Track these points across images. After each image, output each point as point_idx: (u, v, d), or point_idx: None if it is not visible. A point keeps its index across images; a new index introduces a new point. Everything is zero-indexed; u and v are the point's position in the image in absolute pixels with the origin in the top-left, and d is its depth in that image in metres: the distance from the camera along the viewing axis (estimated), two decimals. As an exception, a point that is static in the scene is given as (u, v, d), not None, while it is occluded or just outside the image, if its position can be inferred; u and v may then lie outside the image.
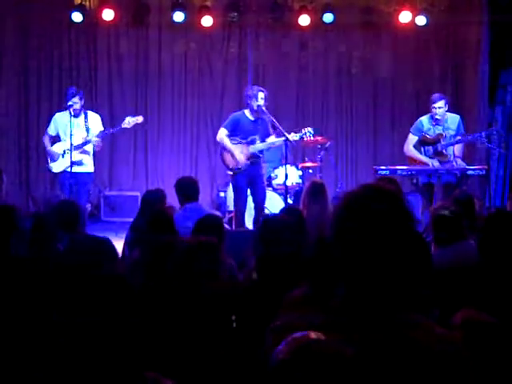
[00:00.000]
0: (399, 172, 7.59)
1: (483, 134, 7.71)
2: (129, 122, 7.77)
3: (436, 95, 7.72)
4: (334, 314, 1.55)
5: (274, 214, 4.33)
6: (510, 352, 1.96)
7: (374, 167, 7.91)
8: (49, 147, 7.84)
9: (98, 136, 7.70)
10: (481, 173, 7.57)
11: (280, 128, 7.28)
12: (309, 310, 1.73)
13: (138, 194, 9.85)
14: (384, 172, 7.50)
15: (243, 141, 7.38)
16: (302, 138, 7.44)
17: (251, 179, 7.42)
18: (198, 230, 4.18)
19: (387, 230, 1.54)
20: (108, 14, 9.78)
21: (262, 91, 7.38)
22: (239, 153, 7.34)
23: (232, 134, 7.40)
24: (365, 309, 1.54)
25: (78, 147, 7.61)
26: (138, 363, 1.76)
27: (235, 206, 7.58)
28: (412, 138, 7.74)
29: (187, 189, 5.72)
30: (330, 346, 1.38)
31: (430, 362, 1.47)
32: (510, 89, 10.14)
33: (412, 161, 7.77)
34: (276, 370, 1.39)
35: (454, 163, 7.55)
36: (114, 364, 1.72)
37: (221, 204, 9.46)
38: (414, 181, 7.72)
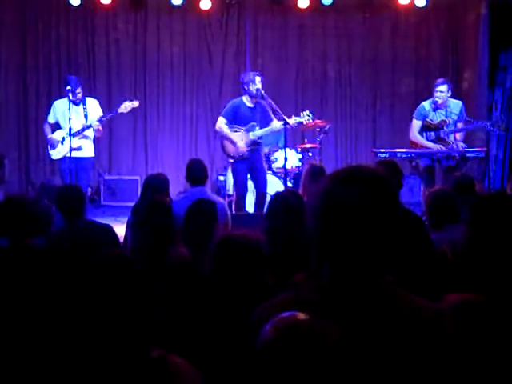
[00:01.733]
0: (399, 155, 7.57)
1: (488, 124, 7.68)
2: (125, 107, 7.77)
3: (440, 79, 7.69)
4: (322, 294, 1.56)
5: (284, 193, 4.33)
6: (500, 329, 1.97)
7: (374, 150, 7.90)
8: (49, 135, 7.86)
9: (97, 121, 7.71)
10: (480, 155, 7.57)
11: (279, 112, 7.26)
12: (302, 290, 1.73)
13: (137, 178, 9.87)
14: (384, 155, 7.50)
15: (242, 128, 7.37)
16: (301, 122, 7.42)
17: (252, 165, 7.42)
18: (188, 217, 4.17)
19: (370, 210, 1.54)
20: (106, -2, 9.74)
21: (259, 75, 7.36)
22: (240, 140, 7.32)
23: (231, 122, 7.38)
24: (349, 287, 1.55)
25: (77, 133, 7.62)
26: (144, 340, 1.78)
27: (236, 192, 7.58)
28: (416, 124, 7.69)
29: (192, 172, 5.69)
30: (316, 327, 1.39)
31: (416, 337, 1.49)
32: (510, 71, 10.11)
33: (414, 145, 7.76)
34: (262, 350, 1.39)
35: (455, 146, 7.55)
36: (119, 341, 1.74)
37: (220, 188, 9.47)
38: (414, 164, 7.72)
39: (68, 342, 1.80)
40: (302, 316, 1.42)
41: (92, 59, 10.40)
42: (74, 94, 7.63)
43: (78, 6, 9.74)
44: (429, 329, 1.50)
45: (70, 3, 9.68)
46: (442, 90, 7.52)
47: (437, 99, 7.54)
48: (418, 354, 1.48)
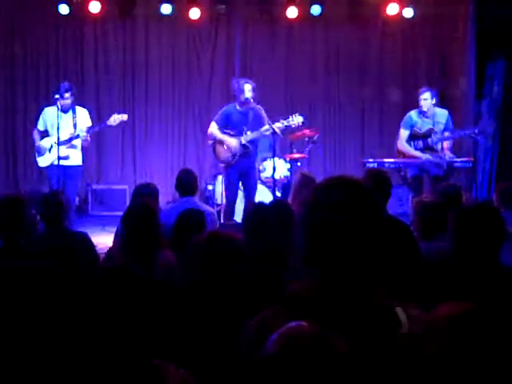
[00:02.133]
0: (387, 165, 7.59)
1: (476, 130, 7.72)
2: (114, 119, 7.77)
3: (423, 88, 7.77)
4: (312, 303, 1.56)
5: (261, 204, 4.32)
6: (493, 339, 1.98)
7: (362, 160, 7.92)
8: (38, 142, 7.83)
9: (86, 131, 7.69)
10: (468, 165, 7.60)
11: (269, 121, 7.26)
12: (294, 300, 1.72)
13: (125, 187, 9.84)
14: (372, 164, 7.51)
15: (232, 132, 7.37)
16: (290, 126, 7.37)
17: (243, 172, 7.42)
18: (178, 226, 4.19)
19: (355, 218, 1.57)
20: (95, 7, 9.71)
21: (248, 83, 7.36)
22: (232, 140, 7.32)
23: (224, 128, 7.40)
24: (341, 298, 1.55)
25: (64, 142, 7.59)
26: (147, 351, 1.78)
27: (226, 198, 7.57)
28: (403, 133, 7.73)
29: (182, 182, 5.69)
30: (322, 337, 1.38)
31: (408, 349, 1.49)
32: (497, 81, 10.19)
33: (400, 154, 7.78)
34: (267, 362, 1.37)
35: (442, 155, 7.59)
36: (122, 352, 1.74)
37: (209, 197, 9.45)
38: (402, 173, 7.74)
39: (66, 346, 1.80)
40: (307, 327, 1.41)
41: (80, 68, 10.38)
42: (62, 98, 7.57)
43: (67, 14, 9.73)
44: (420, 340, 1.50)
45: (59, 12, 9.66)
46: (426, 98, 7.58)
47: (423, 108, 7.60)
48: (409, 366, 1.48)
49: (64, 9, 9.63)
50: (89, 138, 7.77)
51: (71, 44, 10.32)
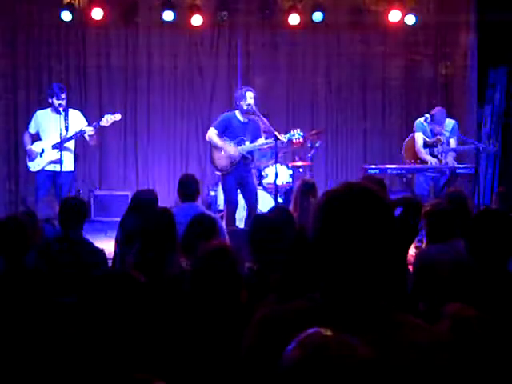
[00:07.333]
0: (389, 171, 7.61)
1: (481, 146, 7.78)
2: (107, 120, 7.68)
3: (443, 113, 7.76)
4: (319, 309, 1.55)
5: (264, 213, 4.34)
6: (496, 345, 1.98)
7: (364, 166, 7.93)
8: (28, 146, 7.77)
9: (90, 125, 7.59)
10: (470, 171, 7.62)
11: (270, 128, 7.27)
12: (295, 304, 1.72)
13: (128, 193, 9.82)
14: (374, 171, 7.52)
15: (232, 141, 7.38)
16: (290, 139, 7.42)
17: (241, 180, 7.42)
18: (190, 230, 4.20)
19: (370, 228, 1.55)
20: (97, 13, 9.75)
21: (251, 91, 7.39)
22: (231, 147, 7.33)
23: (222, 135, 7.40)
24: (353, 307, 1.54)
25: (56, 146, 7.52)
26: (128, 364, 1.74)
27: (225, 206, 7.57)
28: (418, 136, 7.77)
29: (183, 187, 5.69)
30: (345, 344, 1.35)
31: (425, 359, 1.47)
32: (499, 88, 10.20)
33: (409, 158, 7.82)
34: (290, 370, 1.34)
35: (445, 164, 7.64)
36: (102, 365, 1.71)
37: (211, 203, 9.46)
38: (405, 179, 7.76)
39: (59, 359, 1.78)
40: (327, 332, 1.37)
41: (83, 74, 10.40)
42: (59, 98, 7.51)
43: (70, 21, 9.75)
44: (425, 351, 1.49)
45: (61, 18, 9.69)
46: (444, 123, 7.63)
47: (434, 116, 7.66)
48: (415, 377, 1.47)
49: (66, 15, 9.66)
50: (95, 135, 7.63)
51: (73, 51, 10.33)
